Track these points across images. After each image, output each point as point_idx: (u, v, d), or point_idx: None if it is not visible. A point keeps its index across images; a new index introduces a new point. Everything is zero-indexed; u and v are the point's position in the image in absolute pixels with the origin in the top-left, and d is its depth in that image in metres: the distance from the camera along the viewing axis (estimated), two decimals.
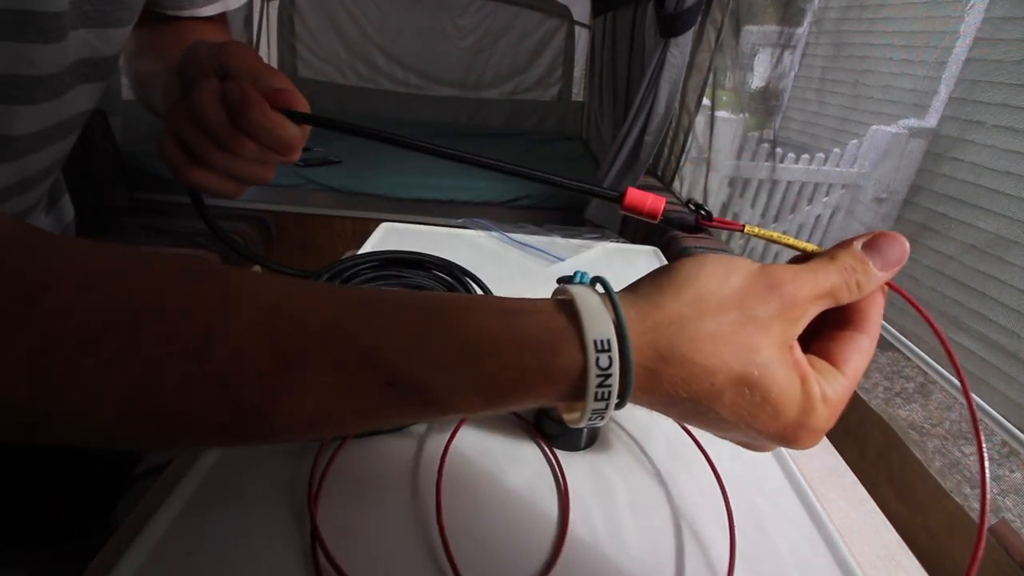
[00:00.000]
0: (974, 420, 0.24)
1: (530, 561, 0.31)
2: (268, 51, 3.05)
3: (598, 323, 0.21)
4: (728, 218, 0.28)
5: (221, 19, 0.51)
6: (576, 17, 3.06)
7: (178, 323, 0.19)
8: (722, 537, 0.34)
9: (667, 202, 0.29)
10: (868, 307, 0.25)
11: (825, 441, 0.49)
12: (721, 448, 0.37)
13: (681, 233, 1.23)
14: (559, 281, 0.42)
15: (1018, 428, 0.48)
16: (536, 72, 3.20)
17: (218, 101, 0.32)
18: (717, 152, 1.67)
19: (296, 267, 0.49)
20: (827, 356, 0.24)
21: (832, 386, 0.23)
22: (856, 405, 0.58)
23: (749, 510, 0.36)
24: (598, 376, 0.21)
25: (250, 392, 0.20)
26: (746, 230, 0.28)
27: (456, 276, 0.57)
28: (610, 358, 0.21)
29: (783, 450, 0.41)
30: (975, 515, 0.44)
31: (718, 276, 0.23)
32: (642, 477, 0.38)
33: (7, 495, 0.49)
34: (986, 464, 0.23)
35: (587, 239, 0.83)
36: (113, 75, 0.41)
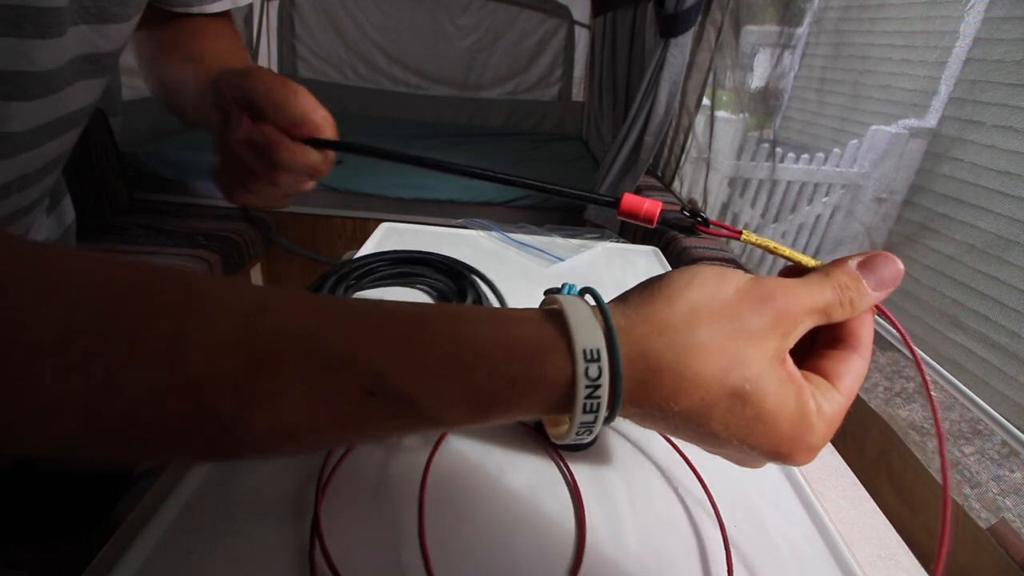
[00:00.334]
0: (922, 374, 0.25)
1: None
2: (268, 51, 3.05)
3: (587, 332, 0.21)
4: (728, 219, 0.28)
5: (228, 16, 0.51)
6: (576, 17, 3.06)
7: (144, 329, 0.18)
8: (721, 537, 0.34)
9: (664, 205, 0.28)
10: (859, 327, 0.24)
11: None
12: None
13: (681, 234, 1.23)
14: (546, 292, 0.42)
15: (1018, 428, 0.48)
16: (536, 72, 3.20)
17: (249, 147, 0.37)
18: (717, 152, 1.67)
19: (296, 268, 0.49)
20: (820, 373, 0.24)
21: (828, 401, 0.22)
22: (856, 405, 0.58)
23: (749, 510, 0.36)
24: (587, 387, 0.20)
25: (224, 400, 0.19)
26: (743, 237, 0.28)
27: (463, 276, 0.57)
28: (599, 368, 0.20)
29: None
30: (975, 515, 0.44)
31: (710, 287, 0.22)
32: (642, 476, 0.38)
33: (7, 495, 0.49)
34: (940, 417, 0.24)
35: (587, 239, 0.83)
36: (113, 71, 0.40)
